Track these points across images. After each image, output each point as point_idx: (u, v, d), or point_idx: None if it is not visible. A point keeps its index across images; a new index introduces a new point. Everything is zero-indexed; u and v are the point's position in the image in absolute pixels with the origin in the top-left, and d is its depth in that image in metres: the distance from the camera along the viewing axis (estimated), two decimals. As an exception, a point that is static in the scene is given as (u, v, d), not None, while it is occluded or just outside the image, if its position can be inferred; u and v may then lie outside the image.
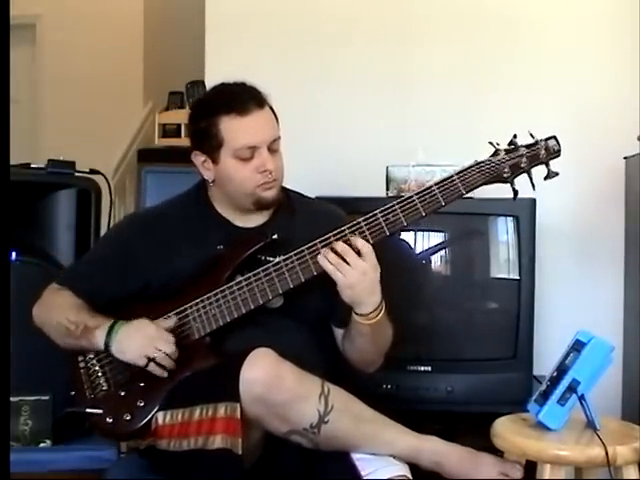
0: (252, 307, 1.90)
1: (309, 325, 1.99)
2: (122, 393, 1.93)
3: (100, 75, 5.83)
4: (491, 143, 1.88)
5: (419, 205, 1.85)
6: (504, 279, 2.52)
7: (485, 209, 2.49)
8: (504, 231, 2.52)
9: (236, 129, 1.94)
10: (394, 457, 1.85)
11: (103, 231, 2.51)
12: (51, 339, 2.03)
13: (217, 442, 1.75)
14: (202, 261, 1.96)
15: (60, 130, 5.83)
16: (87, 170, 2.53)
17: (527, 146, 1.88)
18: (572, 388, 1.87)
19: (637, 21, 2.79)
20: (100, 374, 1.96)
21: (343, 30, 2.97)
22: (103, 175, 2.58)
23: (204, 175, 2.03)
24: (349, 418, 1.83)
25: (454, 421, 2.35)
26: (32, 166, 2.52)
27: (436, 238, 2.57)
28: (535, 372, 2.46)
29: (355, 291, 1.84)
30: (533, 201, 2.44)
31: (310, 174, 2.71)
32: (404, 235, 2.52)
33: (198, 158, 2.02)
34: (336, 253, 1.83)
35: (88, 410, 1.94)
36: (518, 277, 2.46)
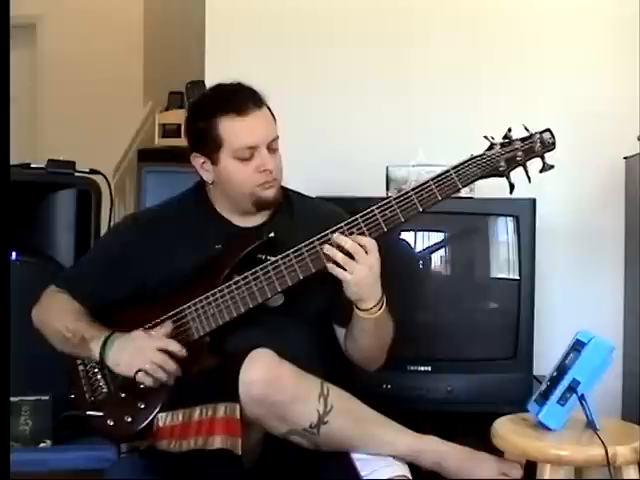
0: (251, 306, 1.89)
1: (309, 324, 1.99)
2: (122, 395, 1.93)
3: (100, 75, 5.84)
4: (486, 137, 1.88)
5: (416, 200, 1.84)
6: (504, 279, 2.52)
7: (485, 209, 2.49)
8: (504, 231, 2.52)
9: (235, 129, 1.94)
10: (394, 457, 1.85)
11: (103, 231, 2.51)
12: (50, 342, 2.03)
13: (217, 442, 1.75)
14: (200, 261, 1.96)
15: (60, 130, 5.83)
16: (87, 170, 2.53)
17: (522, 139, 1.88)
18: (572, 388, 1.87)
19: (637, 21, 2.79)
20: (100, 376, 1.96)
21: (343, 30, 2.98)
22: (103, 175, 2.58)
23: (203, 176, 2.03)
24: (349, 418, 1.83)
25: (454, 421, 2.35)
26: (32, 166, 2.51)
27: (436, 238, 2.57)
28: (535, 372, 2.46)
29: (361, 287, 1.84)
30: (533, 201, 2.44)
31: (310, 174, 2.71)
32: (404, 235, 2.53)
33: (197, 160, 2.01)
34: (342, 251, 1.83)
35: (88, 413, 1.94)
36: (518, 277, 2.46)
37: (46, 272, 2.31)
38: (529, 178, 1.86)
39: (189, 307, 1.93)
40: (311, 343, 1.98)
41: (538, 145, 1.87)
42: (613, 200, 2.81)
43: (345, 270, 1.82)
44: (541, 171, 1.88)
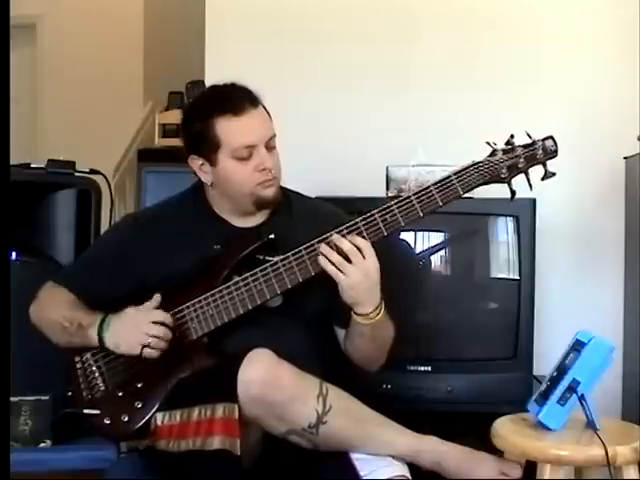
0: (249, 307, 1.89)
1: (308, 324, 1.99)
2: (120, 394, 1.93)
3: (100, 75, 5.84)
4: (488, 143, 1.88)
5: (417, 205, 1.84)
6: (504, 279, 2.52)
7: (485, 209, 2.49)
8: (504, 231, 2.52)
9: (233, 129, 1.94)
10: (393, 457, 1.85)
11: (103, 231, 2.51)
12: (48, 337, 2.03)
13: (215, 443, 1.75)
14: (199, 261, 1.96)
15: (60, 130, 5.83)
16: (87, 170, 2.53)
17: (524, 146, 1.87)
18: (572, 388, 1.87)
19: (637, 21, 2.79)
20: (97, 374, 1.96)
21: (343, 29, 2.97)
22: (103, 175, 2.58)
23: (202, 178, 2.02)
24: (348, 418, 1.83)
25: (454, 421, 2.35)
26: (32, 166, 2.51)
27: (436, 238, 2.57)
28: (535, 372, 2.46)
29: (357, 291, 1.83)
30: (533, 201, 2.44)
31: (310, 174, 2.71)
32: (404, 235, 2.52)
33: (195, 162, 2.01)
34: (339, 253, 1.83)
35: (85, 411, 1.94)
36: (518, 277, 2.46)
37: (46, 272, 2.31)
38: (531, 186, 1.86)
39: (188, 307, 1.93)
40: (310, 343, 1.98)
41: (540, 152, 1.87)
42: (613, 200, 2.81)
43: (340, 271, 1.82)
44: (543, 179, 1.87)
